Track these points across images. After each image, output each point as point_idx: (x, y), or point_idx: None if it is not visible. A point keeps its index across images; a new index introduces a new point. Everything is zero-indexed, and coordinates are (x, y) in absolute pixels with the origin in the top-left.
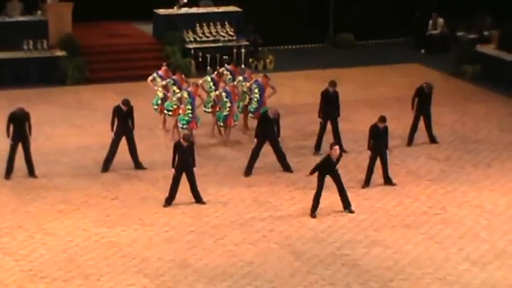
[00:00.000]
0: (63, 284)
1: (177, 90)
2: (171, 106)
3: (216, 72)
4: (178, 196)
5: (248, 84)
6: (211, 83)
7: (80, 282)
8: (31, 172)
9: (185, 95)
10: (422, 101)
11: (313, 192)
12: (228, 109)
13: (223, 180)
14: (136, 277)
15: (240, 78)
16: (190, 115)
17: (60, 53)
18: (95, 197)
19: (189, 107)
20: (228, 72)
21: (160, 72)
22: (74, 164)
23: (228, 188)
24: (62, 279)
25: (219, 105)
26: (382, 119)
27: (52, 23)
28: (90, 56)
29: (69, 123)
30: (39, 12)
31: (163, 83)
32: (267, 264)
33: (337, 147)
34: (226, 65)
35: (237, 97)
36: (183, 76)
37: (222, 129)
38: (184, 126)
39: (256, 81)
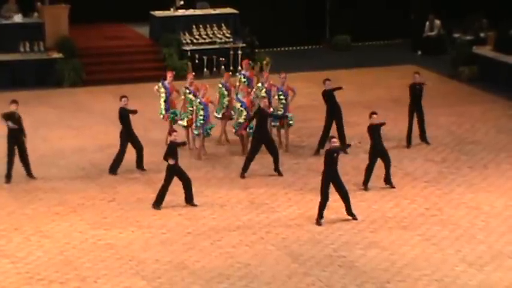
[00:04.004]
0: (60, 286)
1: (193, 98)
2: (187, 116)
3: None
4: (175, 198)
5: (270, 89)
6: (223, 88)
7: (77, 284)
8: (28, 173)
9: (197, 102)
10: (415, 100)
11: (311, 193)
12: (244, 117)
13: (220, 182)
14: (133, 279)
15: (259, 84)
16: (201, 121)
17: (56, 55)
18: (91, 199)
19: (202, 113)
20: (241, 76)
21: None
22: (70, 166)
23: (225, 190)
24: (58, 281)
25: (235, 115)
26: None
27: (48, 25)
28: (87, 58)
29: (66, 125)
30: (35, 14)
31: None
32: (264, 266)
33: (335, 139)
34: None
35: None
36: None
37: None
38: (196, 132)
39: (279, 88)
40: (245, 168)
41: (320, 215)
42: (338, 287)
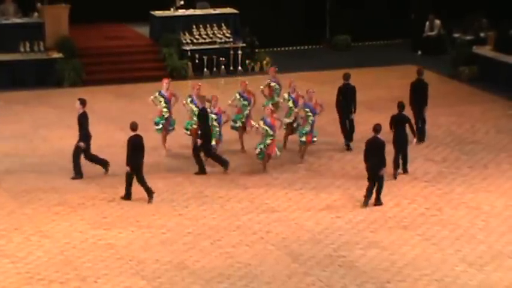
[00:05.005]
0: (60, 286)
1: (195, 108)
2: (190, 125)
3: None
4: (175, 198)
5: (297, 110)
6: (241, 99)
7: (77, 284)
8: None
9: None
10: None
11: (311, 193)
12: (271, 138)
13: (220, 182)
14: (133, 279)
15: (286, 95)
16: (218, 133)
17: (56, 55)
18: (91, 199)
19: (216, 124)
20: (275, 83)
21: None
22: (70, 166)
23: (225, 190)
24: (58, 281)
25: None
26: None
27: (49, 25)
28: (87, 58)
29: (66, 125)
30: (35, 14)
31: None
32: (264, 265)
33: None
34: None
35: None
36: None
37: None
38: (212, 143)
39: (306, 104)
40: (223, 163)
41: (378, 198)
42: (338, 287)
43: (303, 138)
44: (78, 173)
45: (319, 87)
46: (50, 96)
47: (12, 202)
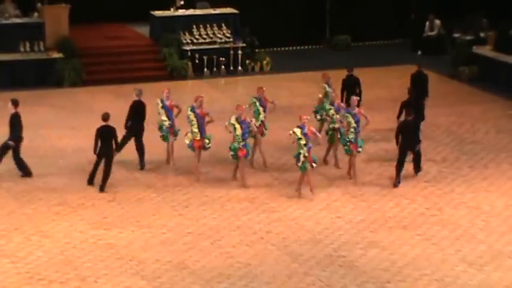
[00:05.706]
0: (60, 286)
1: (193, 119)
2: (190, 136)
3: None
4: (175, 197)
5: (339, 117)
6: (258, 104)
7: (77, 284)
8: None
9: (232, 120)
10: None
11: (311, 193)
12: (304, 150)
13: (220, 182)
14: (134, 279)
15: (329, 106)
16: (241, 142)
17: (56, 55)
18: (91, 199)
19: (238, 133)
20: (329, 88)
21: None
22: (70, 166)
23: (225, 190)
24: (58, 281)
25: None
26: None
27: (49, 25)
28: (87, 58)
29: (66, 125)
30: (35, 14)
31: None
32: (264, 265)
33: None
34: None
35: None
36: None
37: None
38: (232, 153)
39: (347, 110)
40: (24, 170)
41: (398, 179)
42: (338, 287)
43: (347, 147)
44: None
45: (319, 87)
46: (50, 96)
47: (12, 202)
